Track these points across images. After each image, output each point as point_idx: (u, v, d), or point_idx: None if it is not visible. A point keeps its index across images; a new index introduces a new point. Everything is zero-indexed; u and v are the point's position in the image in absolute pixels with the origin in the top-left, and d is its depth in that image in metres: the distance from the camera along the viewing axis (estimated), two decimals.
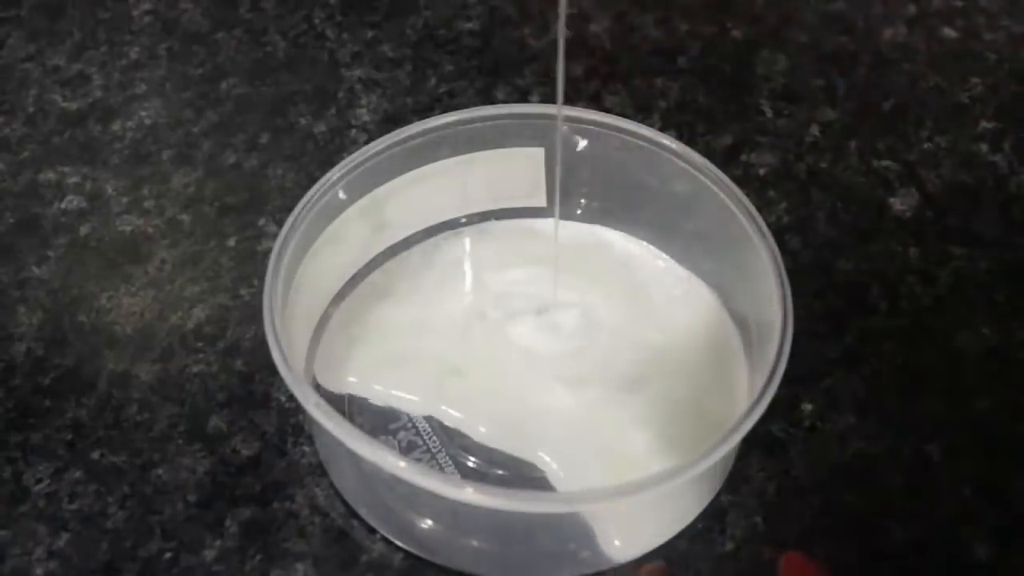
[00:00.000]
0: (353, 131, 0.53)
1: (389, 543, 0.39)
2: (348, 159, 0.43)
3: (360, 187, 0.43)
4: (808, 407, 0.42)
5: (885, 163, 0.52)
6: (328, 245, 0.42)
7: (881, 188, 0.51)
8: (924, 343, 0.45)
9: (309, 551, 0.39)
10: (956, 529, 0.39)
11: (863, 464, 0.41)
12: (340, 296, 0.45)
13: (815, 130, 0.54)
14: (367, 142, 0.53)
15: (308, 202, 0.41)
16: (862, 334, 0.45)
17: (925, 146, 0.53)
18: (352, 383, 0.42)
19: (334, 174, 0.42)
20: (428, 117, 0.44)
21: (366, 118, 0.54)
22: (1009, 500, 0.40)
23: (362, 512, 0.39)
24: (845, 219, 0.49)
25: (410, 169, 0.44)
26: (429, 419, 0.41)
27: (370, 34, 0.58)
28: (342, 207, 0.43)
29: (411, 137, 0.43)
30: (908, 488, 0.40)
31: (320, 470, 0.41)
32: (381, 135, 0.44)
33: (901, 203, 0.50)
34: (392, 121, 0.53)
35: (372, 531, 0.39)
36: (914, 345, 0.45)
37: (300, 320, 0.41)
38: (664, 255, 0.47)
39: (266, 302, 0.38)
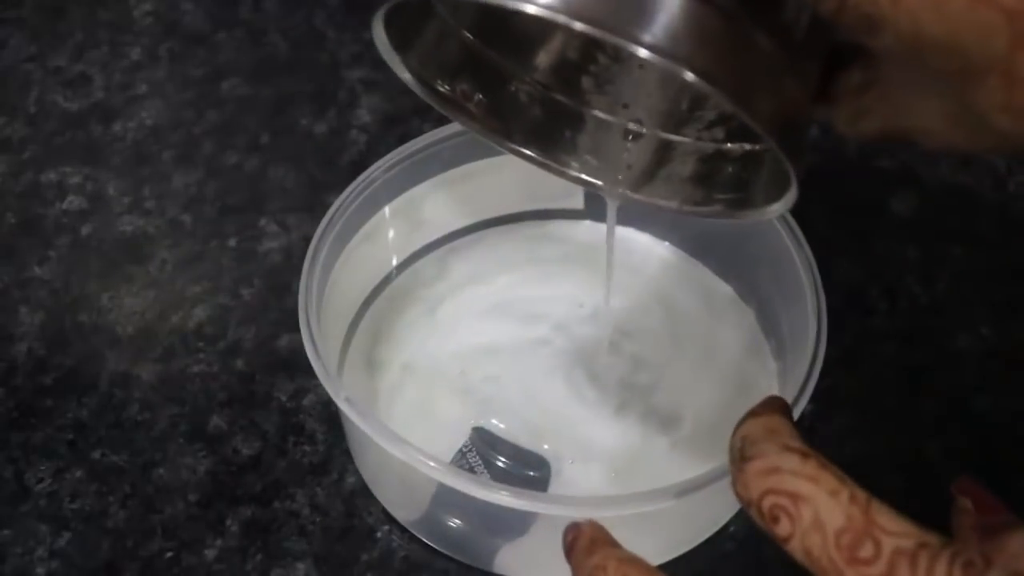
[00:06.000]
0: (353, 131, 0.53)
1: (389, 542, 0.39)
2: (386, 158, 0.43)
3: (397, 186, 0.43)
4: (808, 407, 0.42)
5: (885, 163, 0.52)
6: (364, 243, 0.43)
7: (881, 188, 0.51)
8: (924, 343, 0.45)
9: (310, 550, 0.39)
10: None
11: (863, 464, 0.41)
12: (375, 293, 0.45)
13: (815, 130, 0.54)
14: (367, 142, 0.53)
15: (345, 200, 0.41)
16: (861, 334, 0.45)
17: (934, 149, 0.53)
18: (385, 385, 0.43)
19: (372, 172, 0.42)
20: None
21: (366, 118, 0.54)
22: (1009, 500, 0.40)
23: (399, 516, 0.39)
24: (845, 219, 0.49)
25: (448, 169, 0.44)
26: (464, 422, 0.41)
27: (370, 34, 0.58)
28: (379, 205, 0.43)
29: (450, 136, 0.43)
30: (908, 488, 0.40)
31: (321, 469, 0.41)
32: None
33: (901, 203, 0.50)
34: (392, 122, 0.53)
35: (372, 530, 0.39)
36: (914, 345, 0.45)
37: (334, 317, 0.41)
38: (696, 260, 0.47)
39: (302, 299, 0.38)
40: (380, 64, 0.33)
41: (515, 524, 0.37)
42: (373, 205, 0.43)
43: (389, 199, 0.43)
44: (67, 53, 0.58)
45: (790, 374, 0.39)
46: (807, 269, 0.40)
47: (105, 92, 0.56)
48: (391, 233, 0.44)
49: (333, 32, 0.58)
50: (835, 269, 0.47)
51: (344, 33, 0.58)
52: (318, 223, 0.40)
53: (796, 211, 0.50)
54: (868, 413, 0.42)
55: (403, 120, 0.53)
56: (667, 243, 0.47)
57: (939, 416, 0.42)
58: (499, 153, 0.36)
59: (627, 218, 0.46)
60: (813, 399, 0.42)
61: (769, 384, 0.42)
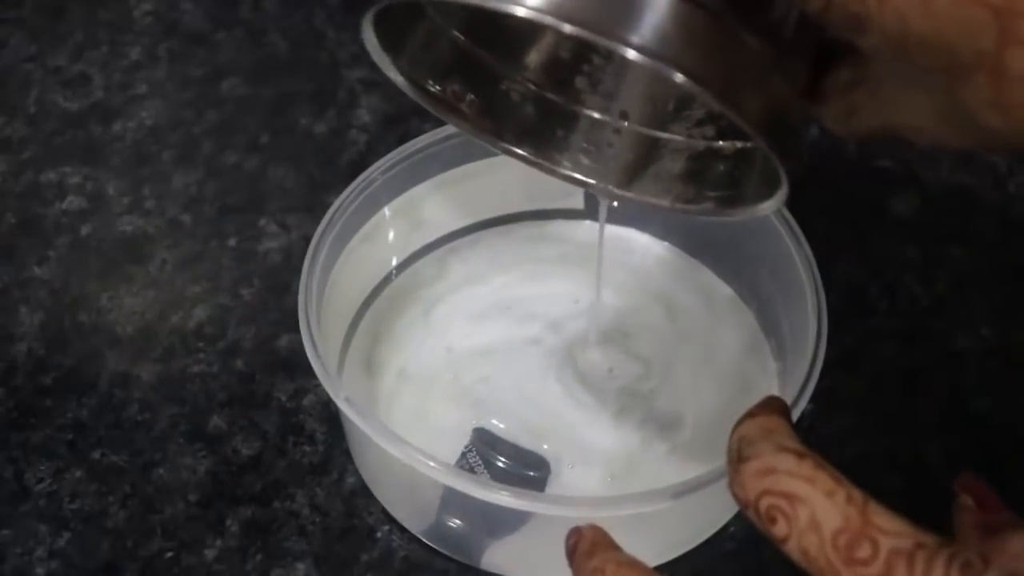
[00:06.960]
0: (353, 131, 0.53)
1: (389, 542, 0.39)
2: (386, 157, 0.43)
3: (397, 186, 0.43)
4: (808, 407, 0.42)
5: (885, 163, 0.52)
6: (364, 243, 0.43)
7: (881, 188, 0.51)
8: (924, 343, 0.45)
9: (310, 550, 0.39)
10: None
11: (863, 464, 0.41)
12: (375, 293, 0.45)
13: (815, 130, 0.54)
14: (367, 142, 0.53)
15: (345, 200, 0.41)
16: (861, 334, 0.45)
17: (924, 146, 0.53)
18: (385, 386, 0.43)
19: (372, 172, 0.42)
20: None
21: (366, 118, 0.54)
22: (1009, 500, 0.40)
23: (399, 516, 0.39)
24: (845, 219, 0.49)
25: (447, 169, 0.44)
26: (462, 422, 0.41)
27: None
28: (379, 205, 0.43)
29: (449, 137, 0.43)
30: (908, 489, 0.40)
31: (321, 469, 0.41)
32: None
33: (901, 203, 0.50)
34: (392, 122, 0.53)
35: (372, 530, 0.39)
36: (914, 345, 0.45)
37: (334, 317, 0.41)
38: (696, 260, 0.47)
39: (301, 299, 0.38)
40: None
41: (510, 522, 0.37)
42: (373, 205, 0.43)
43: (389, 199, 0.43)
44: (67, 53, 0.58)
45: (790, 374, 0.39)
46: (807, 269, 0.40)
47: (105, 92, 0.56)
48: (391, 233, 0.45)
49: (333, 32, 0.58)
50: (835, 269, 0.47)
51: (344, 33, 0.58)
52: (318, 223, 0.41)
53: (796, 211, 0.50)
54: (868, 413, 0.42)
55: (403, 120, 0.53)
56: (667, 243, 0.47)
57: (939, 416, 0.42)
58: (499, 153, 0.36)
59: (627, 218, 0.46)
60: (813, 399, 0.42)
61: (769, 384, 0.42)
